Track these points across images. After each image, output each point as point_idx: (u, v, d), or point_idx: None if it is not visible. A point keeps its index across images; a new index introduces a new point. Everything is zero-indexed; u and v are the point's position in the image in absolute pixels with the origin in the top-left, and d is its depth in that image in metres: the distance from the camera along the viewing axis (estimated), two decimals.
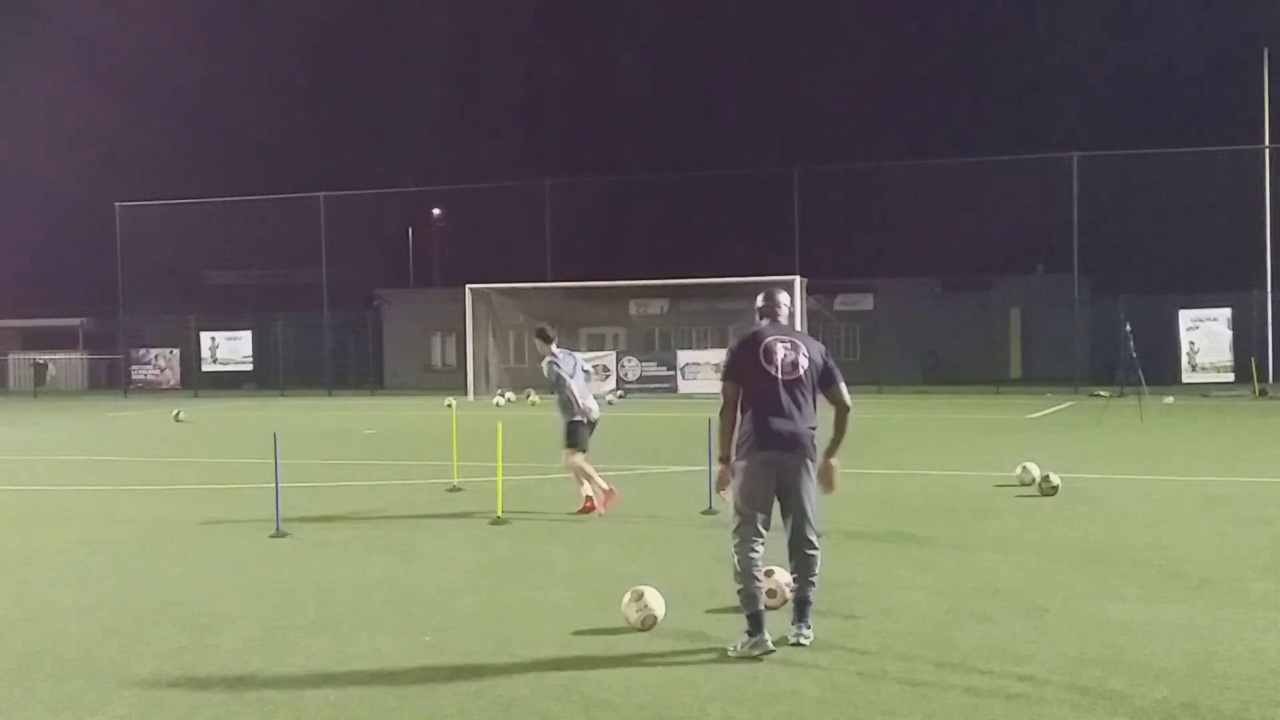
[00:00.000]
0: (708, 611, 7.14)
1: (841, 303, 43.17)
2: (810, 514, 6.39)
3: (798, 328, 5.75)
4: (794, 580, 6.47)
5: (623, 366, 37.28)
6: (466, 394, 35.62)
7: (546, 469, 14.38)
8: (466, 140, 69.54)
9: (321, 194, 43.81)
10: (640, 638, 6.56)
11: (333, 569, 8.80)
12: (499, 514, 10.85)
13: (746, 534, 6.32)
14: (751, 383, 6.40)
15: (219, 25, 72.64)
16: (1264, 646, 6.29)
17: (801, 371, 6.41)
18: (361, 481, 14.63)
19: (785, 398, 6.35)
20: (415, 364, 48.00)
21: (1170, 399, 29.68)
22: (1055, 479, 12.22)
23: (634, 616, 6.69)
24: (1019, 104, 59.97)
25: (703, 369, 36.69)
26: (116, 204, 44.94)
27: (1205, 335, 34.28)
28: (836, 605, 7.18)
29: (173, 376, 45.52)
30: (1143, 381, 24.82)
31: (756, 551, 6.31)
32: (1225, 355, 34.22)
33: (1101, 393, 31.29)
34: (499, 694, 5.65)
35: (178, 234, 45.98)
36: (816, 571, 6.41)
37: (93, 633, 6.95)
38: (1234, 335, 34.20)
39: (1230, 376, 33.85)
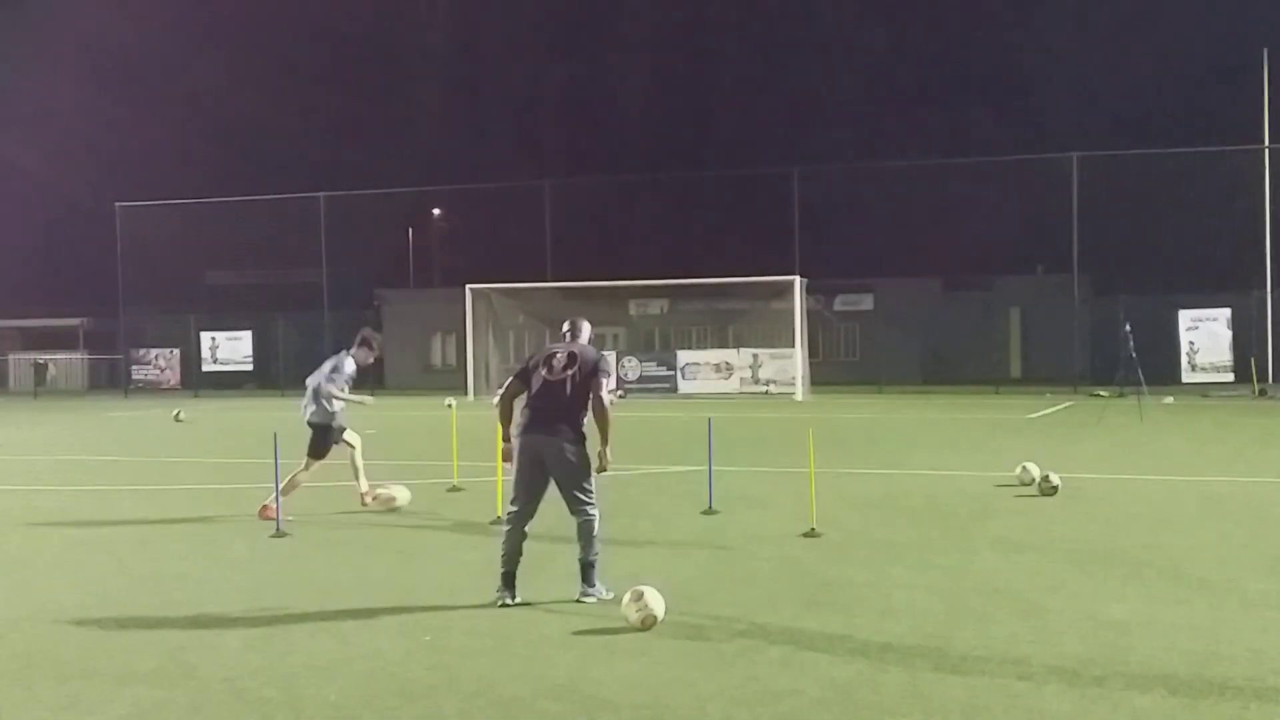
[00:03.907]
0: (708, 612, 7.16)
1: (841, 303, 43.16)
2: (579, 489, 7.42)
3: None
4: (578, 545, 7.45)
5: (623, 366, 37.27)
6: (467, 394, 35.62)
7: None
8: (466, 140, 69.56)
9: (322, 194, 43.81)
10: (640, 637, 6.57)
11: (333, 569, 8.81)
12: (499, 514, 10.84)
13: (515, 518, 7.47)
14: (532, 383, 7.59)
15: (220, 25, 72.70)
16: (1264, 646, 6.30)
17: (569, 373, 7.50)
18: None
19: (550, 392, 7.47)
20: (415, 364, 47.95)
21: (1170, 399, 29.68)
22: (1055, 479, 12.22)
23: (634, 616, 6.71)
24: (1019, 104, 60.07)
25: (703, 369, 36.73)
26: (117, 204, 44.94)
27: (1205, 335, 34.29)
28: (836, 604, 7.19)
29: (173, 376, 45.51)
30: (1142, 381, 24.80)
31: (522, 532, 7.44)
32: (1225, 355, 34.23)
33: (1101, 393, 31.26)
34: (499, 694, 5.65)
35: (178, 234, 45.98)
36: (592, 535, 7.43)
37: (93, 632, 6.97)
38: (1233, 335, 34.21)
39: (1230, 376, 33.85)
